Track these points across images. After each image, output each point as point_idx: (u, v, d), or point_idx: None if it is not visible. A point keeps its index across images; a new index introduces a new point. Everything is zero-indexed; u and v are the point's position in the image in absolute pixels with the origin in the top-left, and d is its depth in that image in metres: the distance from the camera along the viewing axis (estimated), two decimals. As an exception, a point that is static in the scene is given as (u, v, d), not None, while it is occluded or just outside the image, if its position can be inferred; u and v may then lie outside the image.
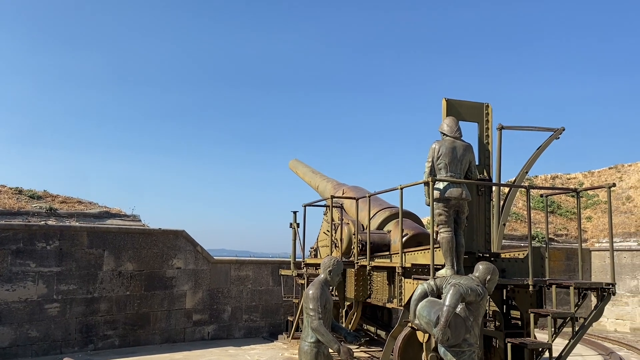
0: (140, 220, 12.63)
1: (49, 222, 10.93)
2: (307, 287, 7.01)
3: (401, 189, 7.78)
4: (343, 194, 12.29)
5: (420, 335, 7.14)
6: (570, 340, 6.83)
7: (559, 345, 7.72)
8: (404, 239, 9.72)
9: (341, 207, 11.42)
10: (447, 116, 7.69)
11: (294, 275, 12.17)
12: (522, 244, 15.72)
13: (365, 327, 11.80)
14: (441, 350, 5.71)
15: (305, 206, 11.23)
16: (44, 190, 12.54)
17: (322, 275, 5.86)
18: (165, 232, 12.31)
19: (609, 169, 23.21)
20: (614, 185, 7.27)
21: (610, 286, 6.89)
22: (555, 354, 7.15)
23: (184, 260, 12.55)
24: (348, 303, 10.35)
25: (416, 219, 11.20)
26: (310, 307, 5.55)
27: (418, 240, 9.91)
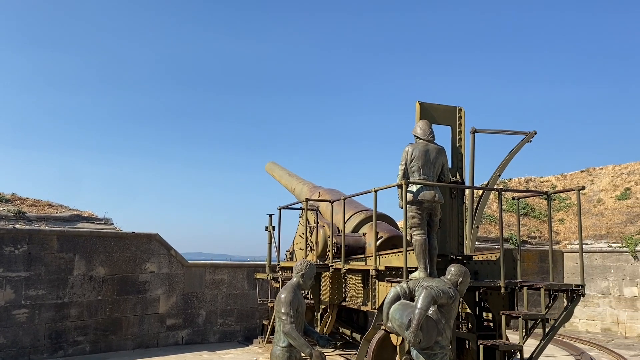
0: (112, 224, 12.41)
1: (17, 226, 10.67)
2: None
3: (375, 191, 7.79)
4: (319, 196, 12.27)
5: (394, 338, 7.14)
6: (540, 342, 6.90)
7: (531, 346, 7.80)
8: (378, 241, 9.74)
9: (317, 210, 11.40)
10: (420, 119, 7.72)
11: (269, 278, 12.10)
12: (496, 246, 15.89)
13: (340, 330, 11.80)
14: (413, 353, 5.71)
15: (280, 209, 11.18)
16: (13, 193, 12.24)
17: (295, 279, 5.81)
18: (138, 235, 12.12)
19: (581, 172, 23.65)
20: (584, 188, 7.39)
21: (580, 288, 6.99)
22: (526, 355, 7.23)
23: (158, 264, 12.37)
24: (323, 306, 10.33)
25: (391, 222, 11.25)
26: (282, 311, 5.50)
27: (393, 242, 9.95)
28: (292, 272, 11.11)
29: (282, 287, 10.93)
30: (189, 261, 13.34)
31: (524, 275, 17.24)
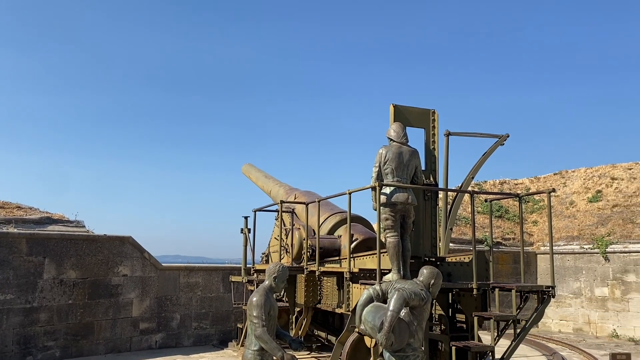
0: (84, 226, 12.19)
1: (-15, 229, 10.41)
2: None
3: (349, 193, 7.79)
4: (295, 198, 12.24)
5: (367, 341, 7.15)
6: (512, 342, 6.97)
7: (503, 347, 7.88)
8: (353, 243, 9.75)
9: (292, 212, 11.36)
10: (394, 122, 7.75)
11: (244, 281, 12.02)
12: (471, 248, 16.06)
13: (316, 333, 11.76)
14: (386, 355, 5.72)
15: (255, 211, 11.12)
16: (-20, 195, 11.94)
17: (267, 282, 5.78)
18: (110, 238, 11.92)
19: (554, 174, 24.04)
20: (554, 190, 7.50)
21: (550, 289, 7.09)
22: (498, 356, 7.29)
23: (131, 267, 12.19)
24: (298, 309, 10.29)
25: (367, 224, 11.27)
26: (254, 314, 5.46)
27: (368, 245, 9.96)
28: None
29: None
30: (163, 264, 13.18)
31: (499, 276, 17.51)
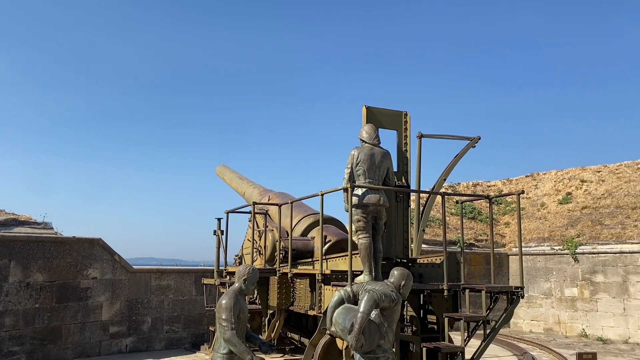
0: (52, 228, 11.92)
1: (-53, 231, 10.09)
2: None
3: (322, 195, 7.76)
4: (269, 200, 12.17)
5: (339, 343, 7.12)
6: (482, 343, 7.03)
7: (475, 347, 7.94)
8: (327, 245, 9.73)
9: (266, 214, 11.29)
10: (366, 123, 7.76)
11: (216, 284, 11.88)
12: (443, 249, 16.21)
13: (289, 335, 11.70)
14: (356, 357, 5.70)
15: (227, 213, 11.01)
16: (-57, 196, 11.57)
17: (237, 284, 5.71)
18: (79, 240, 11.68)
19: (526, 177, 24.45)
20: (523, 192, 7.59)
21: (520, 289, 7.17)
22: (469, 356, 7.34)
23: (101, 270, 11.96)
24: (271, 311, 10.22)
25: (340, 226, 11.26)
26: (223, 317, 5.39)
27: (341, 246, 9.94)
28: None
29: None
30: (134, 266, 12.97)
31: (472, 277, 17.71)
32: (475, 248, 18.74)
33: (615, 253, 16.42)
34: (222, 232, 12.08)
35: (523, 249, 18.47)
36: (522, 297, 7.18)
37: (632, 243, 16.32)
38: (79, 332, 11.49)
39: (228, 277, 11.49)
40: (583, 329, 16.85)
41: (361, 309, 5.44)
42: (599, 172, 22.03)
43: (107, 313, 12.01)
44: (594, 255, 16.96)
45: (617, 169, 21.54)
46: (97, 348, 11.82)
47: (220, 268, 11.93)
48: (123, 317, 12.27)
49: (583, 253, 17.22)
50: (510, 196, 17.92)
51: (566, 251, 17.62)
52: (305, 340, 11.10)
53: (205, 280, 12.70)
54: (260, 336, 10.46)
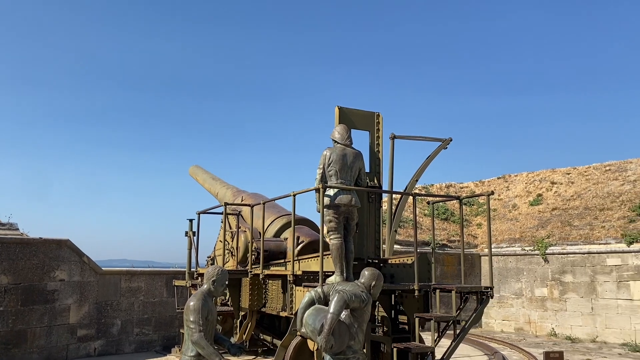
0: (17, 229, 11.61)
1: None
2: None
3: (294, 195, 7.72)
4: (242, 201, 12.07)
5: (310, 344, 7.08)
6: (452, 343, 7.07)
7: (446, 347, 7.98)
8: (299, 246, 9.69)
9: (239, 215, 11.19)
10: (339, 124, 7.74)
11: (188, 285, 11.73)
12: (418, 250, 16.32)
13: (262, 337, 11.62)
14: (326, 358, 5.66)
15: (199, 214, 10.88)
16: None
17: (205, 286, 5.63)
18: (46, 241, 11.40)
19: (498, 178, 24.80)
20: (493, 193, 7.66)
21: (489, 290, 7.24)
22: (439, 356, 7.38)
23: (68, 272, 11.69)
24: (243, 313, 10.13)
25: (313, 226, 11.23)
26: (191, 319, 5.30)
27: (314, 247, 9.91)
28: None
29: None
30: (104, 268, 12.72)
31: (445, 277, 17.86)
32: (448, 249, 18.92)
33: (584, 253, 16.76)
34: (193, 233, 11.93)
35: (495, 249, 18.75)
36: (492, 297, 7.25)
37: (600, 244, 16.69)
38: (45, 336, 11.21)
39: (199, 279, 11.35)
40: (552, 329, 17.15)
41: (331, 310, 5.42)
42: (568, 174, 22.48)
43: (75, 316, 11.74)
44: (563, 255, 17.28)
45: (585, 171, 22.01)
46: (65, 352, 11.54)
47: (192, 269, 11.79)
48: (92, 320, 12.01)
49: (553, 254, 17.53)
50: (482, 197, 18.16)
51: (536, 252, 17.92)
52: (278, 342, 11.00)
53: (177, 282, 12.52)
54: (232, 338, 10.39)
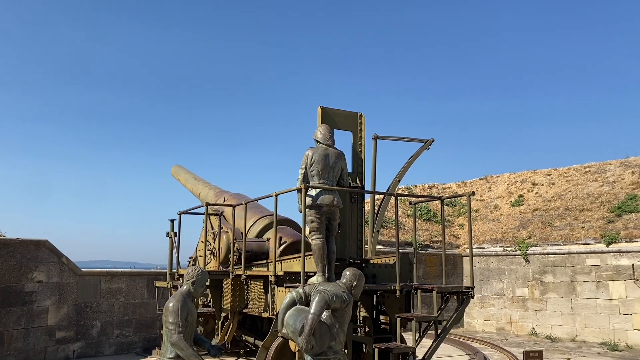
0: (-6, 230, 11.41)
1: None
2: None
3: (276, 195, 7.68)
4: (225, 201, 12.00)
5: (292, 345, 7.05)
6: (433, 343, 7.09)
7: (427, 347, 8.01)
8: (282, 246, 9.65)
9: (221, 215, 11.12)
10: (321, 124, 7.73)
11: (169, 286, 11.62)
12: (401, 250, 16.38)
13: (244, 338, 11.56)
14: (307, 359, 5.64)
15: (180, 214, 10.78)
16: None
17: (185, 287, 5.57)
18: (24, 242, 11.21)
19: (480, 179, 25.01)
20: (473, 193, 7.71)
21: (470, 290, 7.27)
22: (421, 356, 7.39)
23: (47, 273, 11.50)
24: (224, 314, 10.06)
25: (296, 227, 11.20)
26: (170, 320, 5.24)
27: (296, 247, 9.88)
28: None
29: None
30: (83, 269, 12.55)
31: (428, 277, 17.94)
32: (431, 249, 19.01)
33: (564, 254, 16.97)
34: (175, 233, 11.83)
35: (476, 250, 18.89)
36: (472, 297, 7.28)
37: (580, 244, 16.90)
38: (22, 338, 11.01)
39: (181, 280, 11.26)
40: (533, 328, 17.33)
41: (312, 310, 5.40)
42: (549, 175, 22.75)
43: (54, 318, 11.56)
44: (543, 256, 17.47)
45: (566, 172, 22.29)
46: (43, 354, 11.35)
47: (173, 270, 11.69)
48: (70, 321, 11.84)
49: (534, 254, 17.72)
50: (464, 198, 18.29)
51: (518, 252, 18.10)
52: (260, 343, 10.96)
53: (158, 283, 12.40)
54: (213, 339, 10.31)
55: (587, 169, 21.61)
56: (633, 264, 15.42)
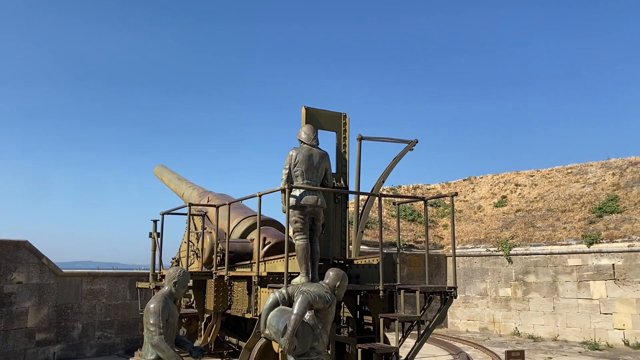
0: (-27, 230, 11.21)
1: None
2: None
3: (259, 196, 7.64)
4: (208, 201, 11.92)
5: (275, 346, 7.01)
6: (416, 343, 7.11)
7: (410, 347, 8.03)
8: (266, 247, 9.62)
9: (204, 216, 11.05)
10: (305, 124, 7.71)
11: (151, 287, 11.51)
12: (385, 250, 16.41)
13: (227, 339, 11.49)
14: None
15: (163, 214, 10.69)
16: None
17: (167, 288, 5.53)
18: (3, 242, 11.03)
19: (464, 180, 25.18)
20: (456, 194, 7.74)
21: (452, 290, 7.31)
22: (404, 356, 7.41)
23: (27, 274, 11.33)
24: (207, 315, 9.99)
25: (280, 227, 11.17)
26: (151, 322, 5.20)
27: (280, 248, 9.85)
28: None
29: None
30: (64, 270, 12.38)
31: (412, 278, 18.01)
32: (415, 249, 19.09)
33: (546, 254, 17.15)
34: (158, 234, 11.72)
35: (460, 250, 19.01)
36: (455, 297, 7.32)
37: (561, 244, 17.10)
38: (1, 340, 10.83)
39: (163, 281, 11.17)
40: (516, 328, 17.48)
41: (295, 311, 5.38)
42: (532, 176, 22.98)
43: (33, 319, 11.38)
44: (526, 256, 17.64)
45: (548, 174, 22.53)
46: (22, 356, 11.18)
47: (156, 271, 11.58)
48: (51, 323, 11.67)
49: (517, 254, 17.88)
50: (448, 199, 18.45)
51: (501, 252, 18.25)
52: (244, 344, 10.91)
53: (140, 284, 12.27)
54: (197, 340, 10.23)
55: (569, 170, 21.88)
56: (613, 264, 15.64)
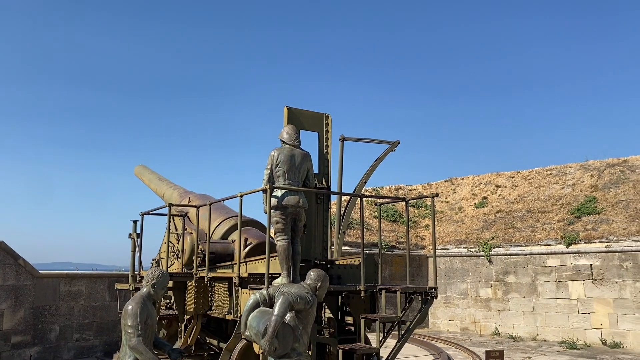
0: (-54, 231, 10.96)
1: None
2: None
3: (241, 196, 7.59)
4: (189, 202, 11.82)
5: (256, 347, 6.97)
6: (397, 343, 7.12)
7: (391, 348, 8.04)
8: (247, 248, 9.56)
9: (185, 216, 10.95)
10: (287, 124, 7.68)
11: (131, 289, 11.36)
12: (367, 251, 16.44)
13: (208, 341, 11.39)
14: (270, 361, 5.59)
15: (142, 215, 10.56)
16: None
17: (145, 289, 5.46)
18: (-22, 243, 10.81)
19: (445, 181, 25.36)
20: (437, 195, 7.78)
21: (433, 290, 7.33)
22: (385, 357, 7.42)
23: (3, 275, 11.11)
24: (188, 316, 9.90)
25: (262, 228, 11.11)
26: (129, 323, 5.12)
27: (262, 249, 9.79)
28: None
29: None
30: (42, 271, 12.17)
31: (394, 278, 18.08)
32: (397, 250, 19.16)
33: (526, 255, 17.35)
34: (137, 235, 11.57)
35: (441, 251, 19.13)
36: (436, 298, 7.35)
37: (541, 245, 17.31)
38: (-25, 343, 10.62)
39: (143, 282, 11.04)
40: (496, 328, 17.64)
41: (275, 312, 5.35)
42: (512, 177, 23.24)
43: (9, 322, 11.16)
44: (506, 257, 17.82)
45: (528, 175, 22.80)
46: (-3, 360, 10.97)
47: (135, 272, 11.43)
48: (27, 325, 11.46)
49: (497, 255, 18.05)
50: (429, 199, 18.56)
51: (481, 253, 18.41)
52: (224, 346, 10.84)
53: (119, 286, 12.11)
54: (177, 342, 10.13)
55: (549, 172, 22.16)
56: (591, 265, 15.87)
